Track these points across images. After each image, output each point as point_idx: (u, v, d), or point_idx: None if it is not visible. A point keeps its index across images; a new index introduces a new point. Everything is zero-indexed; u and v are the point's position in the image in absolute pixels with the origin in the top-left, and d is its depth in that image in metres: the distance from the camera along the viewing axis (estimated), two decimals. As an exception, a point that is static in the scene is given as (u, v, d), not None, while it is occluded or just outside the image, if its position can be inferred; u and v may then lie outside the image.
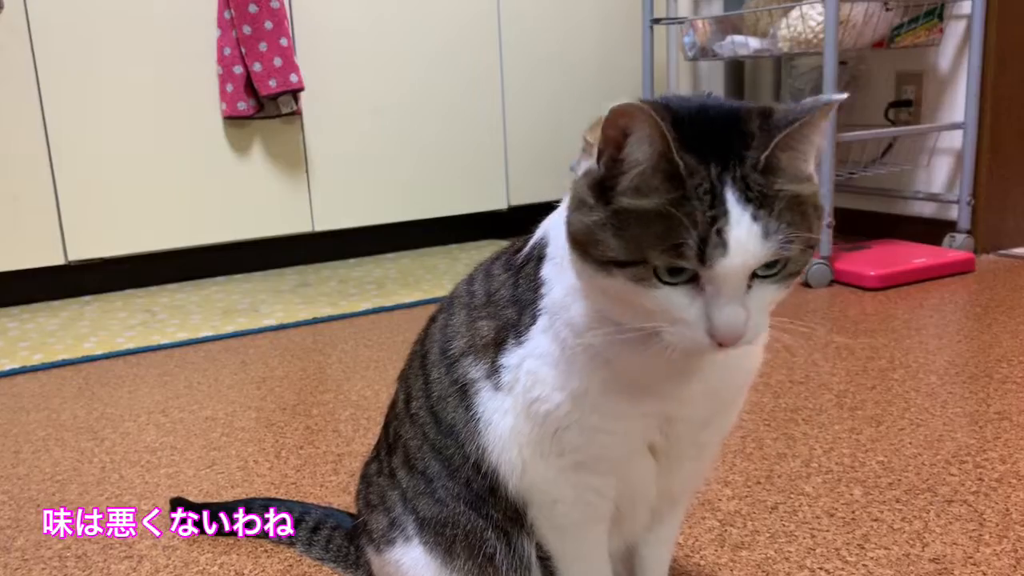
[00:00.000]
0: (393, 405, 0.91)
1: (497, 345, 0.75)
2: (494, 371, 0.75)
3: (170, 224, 2.62)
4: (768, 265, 0.59)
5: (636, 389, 0.69)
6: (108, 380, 1.88)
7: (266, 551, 1.15)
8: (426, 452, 0.82)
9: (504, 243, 0.83)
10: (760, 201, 0.58)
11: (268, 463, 1.42)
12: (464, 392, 0.78)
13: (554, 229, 0.74)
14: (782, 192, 0.58)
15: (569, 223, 0.63)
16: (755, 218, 0.57)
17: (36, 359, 2.02)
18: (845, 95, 0.60)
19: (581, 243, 0.62)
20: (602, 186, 0.61)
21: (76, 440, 1.56)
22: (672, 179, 0.58)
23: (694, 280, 0.59)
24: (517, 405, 0.74)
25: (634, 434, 0.72)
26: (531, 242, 0.77)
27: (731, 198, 0.57)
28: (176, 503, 1.23)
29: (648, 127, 0.57)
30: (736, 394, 0.76)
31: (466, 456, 0.78)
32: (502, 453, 0.75)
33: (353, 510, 0.99)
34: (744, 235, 0.57)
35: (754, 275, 0.59)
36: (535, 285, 0.73)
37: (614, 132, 0.59)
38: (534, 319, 0.72)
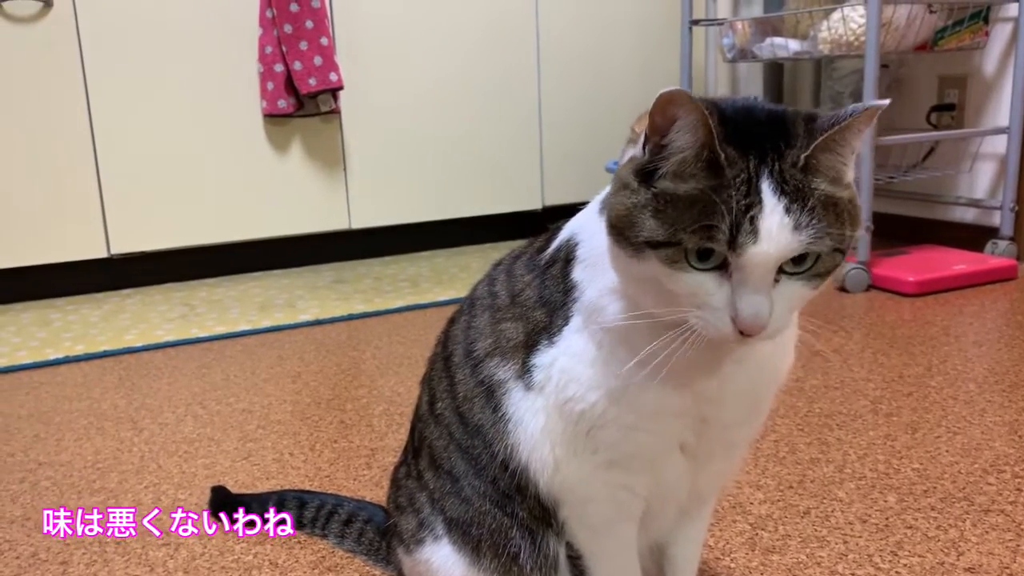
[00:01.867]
0: (417, 409, 0.91)
1: (528, 347, 0.75)
2: (525, 371, 0.75)
3: (210, 220, 2.67)
4: (798, 261, 0.60)
5: (672, 388, 0.69)
6: (148, 371, 1.92)
7: (299, 542, 1.17)
8: (452, 452, 0.83)
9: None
10: (795, 195, 0.59)
11: (303, 456, 1.44)
12: (491, 393, 0.78)
13: (584, 231, 0.74)
14: (818, 191, 0.60)
15: (609, 207, 0.65)
16: (788, 210, 0.59)
17: (79, 349, 2.07)
18: (887, 101, 0.61)
19: (618, 226, 0.63)
20: (645, 171, 0.63)
21: (116, 429, 1.59)
22: (712, 167, 0.60)
23: (723, 268, 0.60)
24: (549, 404, 0.74)
25: (668, 433, 0.73)
26: (556, 243, 0.77)
27: (767, 189, 0.59)
28: (216, 492, 1.26)
29: (694, 115, 0.59)
30: (768, 395, 0.76)
31: (494, 455, 0.78)
32: (533, 451, 0.76)
33: (385, 504, 1.01)
34: (775, 225, 0.58)
35: (782, 271, 0.61)
36: (565, 287, 0.74)
37: (660, 118, 0.61)
38: (567, 320, 0.73)
